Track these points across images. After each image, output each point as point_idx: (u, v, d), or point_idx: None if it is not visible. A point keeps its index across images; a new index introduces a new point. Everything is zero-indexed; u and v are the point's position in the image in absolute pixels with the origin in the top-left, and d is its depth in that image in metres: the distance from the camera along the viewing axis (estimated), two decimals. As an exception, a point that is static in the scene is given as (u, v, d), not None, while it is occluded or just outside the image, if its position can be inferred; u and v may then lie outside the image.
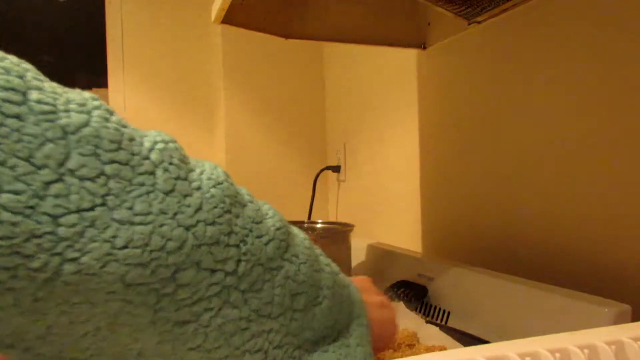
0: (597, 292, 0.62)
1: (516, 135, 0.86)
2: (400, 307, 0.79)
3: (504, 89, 0.88)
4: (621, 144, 0.67)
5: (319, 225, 1.14)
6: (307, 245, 0.38)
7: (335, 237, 1.01)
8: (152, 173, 0.28)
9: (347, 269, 1.01)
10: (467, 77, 0.99)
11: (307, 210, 1.58)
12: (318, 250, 0.40)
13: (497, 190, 0.91)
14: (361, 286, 0.45)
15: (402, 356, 0.65)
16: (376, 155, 1.39)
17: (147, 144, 0.29)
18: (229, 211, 0.31)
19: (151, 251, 0.26)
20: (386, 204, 1.34)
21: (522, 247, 0.85)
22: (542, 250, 0.80)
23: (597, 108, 0.70)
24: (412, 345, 0.68)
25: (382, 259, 1.07)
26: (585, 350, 0.36)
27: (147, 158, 0.28)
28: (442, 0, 0.86)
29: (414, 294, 0.87)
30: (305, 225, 1.16)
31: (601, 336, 0.38)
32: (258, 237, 0.33)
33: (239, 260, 0.31)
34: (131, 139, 0.28)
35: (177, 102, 1.90)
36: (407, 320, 0.76)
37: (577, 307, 0.59)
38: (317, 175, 1.63)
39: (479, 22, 0.89)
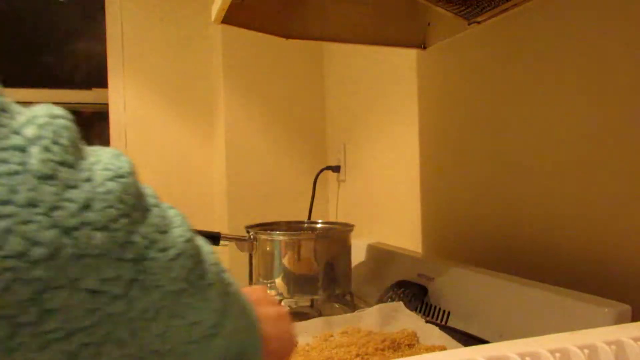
0: (597, 292, 0.62)
1: (516, 135, 0.86)
2: (400, 307, 0.79)
3: (504, 89, 0.88)
4: (621, 143, 0.67)
5: (319, 225, 1.14)
6: (214, 260, 0.31)
7: (335, 237, 1.01)
8: (23, 150, 0.21)
9: (347, 269, 1.01)
10: (467, 77, 0.99)
11: (307, 210, 1.58)
12: (222, 265, 0.33)
13: (497, 190, 0.91)
14: (256, 297, 0.39)
15: (402, 356, 0.65)
16: (376, 155, 1.39)
17: (22, 118, 0.22)
18: (127, 215, 0.24)
19: (4, 258, 0.19)
20: (386, 204, 1.34)
21: (522, 247, 0.85)
22: (542, 250, 0.80)
23: (598, 108, 0.70)
24: (412, 345, 0.68)
25: (382, 259, 1.07)
26: (585, 350, 0.36)
27: (17, 132, 0.21)
28: (442, 0, 0.86)
29: (414, 294, 0.87)
30: (305, 225, 1.16)
31: (601, 336, 0.38)
32: (162, 250, 0.26)
33: (132, 280, 0.24)
34: (2, 109, 0.22)
35: (177, 102, 1.90)
36: (407, 320, 0.76)
37: (577, 307, 0.59)
38: (317, 175, 1.63)
39: (479, 22, 0.89)
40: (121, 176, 0.25)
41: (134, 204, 0.25)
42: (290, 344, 0.41)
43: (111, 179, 0.24)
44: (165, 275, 0.26)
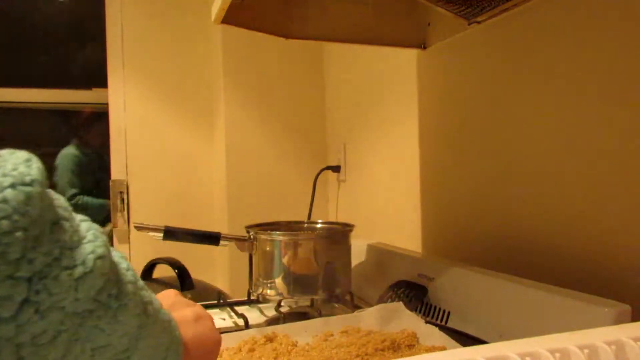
0: (597, 292, 0.62)
1: (516, 135, 0.86)
2: (400, 307, 0.79)
3: (504, 88, 0.88)
4: (622, 143, 0.67)
5: (319, 225, 1.14)
6: (132, 278, 0.28)
7: (335, 237, 1.01)
8: None
9: (347, 269, 1.01)
10: (467, 77, 0.99)
11: (307, 210, 1.58)
12: (140, 282, 0.30)
13: (497, 190, 0.91)
14: (170, 302, 0.39)
15: (402, 356, 0.65)
16: (376, 155, 1.39)
17: None
18: (24, 228, 0.22)
19: None
20: (386, 204, 1.34)
21: (522, 247, 0.85)
22: (542, 250, 0.80)
23: (598, 108, 0.70)
24: (412, 345, 0.68)
25: (382, 259, 1.07)
26: (585, 350, 0.36)
27: None
28: (442, 0, 0.86)
29: (414, 294, 0.87)
30: (305, 225, 1.16)
31: (601, 336, 0.38)
32: (67, 268, 0.23)
33: (25, 302, 0.21)
34: None
35: (177, 102, 1.90)
36: (407, 320, 0.76)
37: (577, 307, 0.59)
38: (317, 175, 1.63)
39: (479, 22, 0.89)
40: (25, 184, 0.22)
41: (35, 216, 0.22)
42: (212, 342, 0.39)
43: (11, 185, 0.22)
44: (68, 295, 0.23)
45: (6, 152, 0.24)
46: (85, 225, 0.26)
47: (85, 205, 2.36)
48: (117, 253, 0.29)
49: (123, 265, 0.28)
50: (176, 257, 1.27)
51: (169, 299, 0.40)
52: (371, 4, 1.03)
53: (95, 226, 0.27)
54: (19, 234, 0.21)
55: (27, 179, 0.22)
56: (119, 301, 0.26)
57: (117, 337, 0.26)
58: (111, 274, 0.26)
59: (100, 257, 0.25)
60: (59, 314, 0.23)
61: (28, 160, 0.23)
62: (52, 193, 0.25)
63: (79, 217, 0.27)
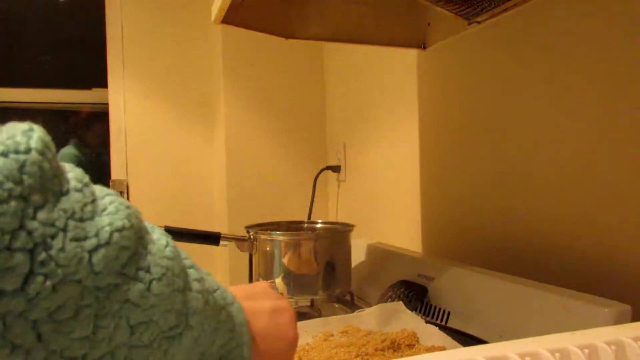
0: (597, 292, 0.62)
1: (516, 135, 0.86)
2: (400, 307, 0.79)
3: (504, 89, 0.88)
4: (621, 143, 0.67)
5: (319, 225, 1.14)
6: (169, 254, 0.27)
7: (335, 237, 1.01)
8: None
9: (347, 269, 1.01)
10: (467, 77, 0.99)
11: (307, 210, 1.58)
12: (188, 261, 0.30)
13: (497, 190, 0.91)
14: (253, 292, 0.38)
15: (402, 356, 0.65)
16: (376, 155, 1.39)
17: None
18: (20, 197, 0.21)
19: None
20: (386, 204, 1.34)
21: (522, 247, 0.85)
22: (542, 250, 0.80)
23: (598, 108, 0.70)
24: (412, 345, 0.68)
25: (382, 259, 1.07)
26: (585, 350, 0.36)
27: None
28: (442, 0, 0.86)
29: (414, 294, 0.87)
30: (305, 225, 1.16)
31: (601, 336, 0.38)
32: (76, 240, 0.23)
33: (31, 274, 0.21)
34: None
35: (177, 102, 1.90)
36: (407, 320, 0.76)
37: (577, 307, 0.59)
38: (317, 175, 1.63)
39: (479, 22, 0.89)
40: (18, 152, 0.21)
41: (35, 184, 0.21)
42: (286, 341, 0.37)
43: (1, 154, 0.21)
44: (80, 268, 0.22)
45: (8, 125, 0.23)
46: (109, 199, 0.25)
47: (85, 205, 2.36)
48: (158, 229, 0.29)
49: (162, 241, 0.28)
50: (176, 257, 1.27)
51: (255, 288, 0.39)
52: (371, 4, 1.03)
53: (122, 200, 0.26)
54: (13, 202, 0.21)
55: (22, 147, 0.22)
56: (152, 275, 0.25)
57: (158, 313, 0.25)
58: (140, 247, 0.25)
59: (119, 230, 0.24)
60: (76, 288, 0.22)
61: (28, 130, 0.23)
62: (65, 165, 0.25)
63: (104, 191, 0.26)
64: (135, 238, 0.25)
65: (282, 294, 0.93)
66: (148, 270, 0.25)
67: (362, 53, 1.46)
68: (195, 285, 0.29)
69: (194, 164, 1.92)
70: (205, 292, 0.29)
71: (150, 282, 0.25)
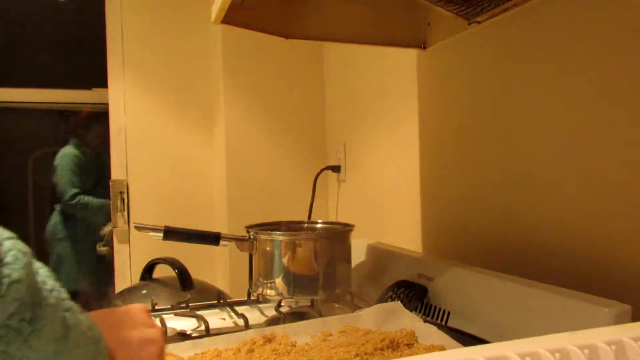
0: (597, 292, 0.62)
1: (516, 135, 0.86)
2: (398, 307, 0.79)
3: (504, 89, 0.88)
4: (622, 143, 0.67)
5: (319, 225, 1.14)
6: (54, 301, 0.27)
7: (335, 237, 1.01)
8: None
9: (347, 269, 1.01)
10: (467, 77, 0.99)
11: (307, 210, 1.58)
12: (67, 304, 0.28)
13: (497, 190, 0.91)
14: (123, 319, 0.37)
15: (401, 356, 0.65)
16: (376, 155, 1.39)
17: None
18: None
19: None
20: (386, 204, 1.34)
21: (522, 247, 0.85)
22: (542, 250, 0.80)
23: (598, 108, 0.70)
24: (411, 344, 0.68)
25: (382, 259, 1.07)
26: (585, 350, 0.36)
27: None
28: (442, 0, 0.86)
29: (414, 294, 0.87)
30: (305, 225, 1.16)
31: (601, 336, 0.38)
32: None
33: None
34: None
35: (177, 102, 1.90)
36: (406, 319, 0.76)
37: (577, 307, 0.59)
38: (317, 175, 1.63)
39: (479, 22, 0.89)
40: None
41: None
42: None
43: None
44: None
45: None
46: (8, 245, 0.25)
47: (86, 205, 2.37)
48: (45, 272, 0.28)
49: (47, 286, 0.27)
50: (176, 257, 1.27)
51: (125, 315, 0.37)
52: (371, 4, 1.03)
53: (20, 246, 0.25)
54: None
55: None
56: (32, 326, 0.25)
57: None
58: (27, 297, 0.25)
59: (16, 281, 0.24)
60: None
61: None
62: None
63: (4, 234, 0.25)
64: (27, 287, 0.25)
65: (281, 293, 0.93)
66: (30, 322, 0.25)
67: (362, 53, 1.46)
68: (71, 332, 0.28)
69: (194, 164, 1.91)
70: (79, 337, 0.29)
71: (30, 333, 0.25)
